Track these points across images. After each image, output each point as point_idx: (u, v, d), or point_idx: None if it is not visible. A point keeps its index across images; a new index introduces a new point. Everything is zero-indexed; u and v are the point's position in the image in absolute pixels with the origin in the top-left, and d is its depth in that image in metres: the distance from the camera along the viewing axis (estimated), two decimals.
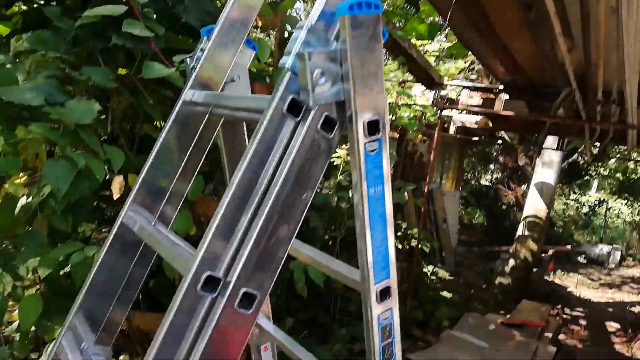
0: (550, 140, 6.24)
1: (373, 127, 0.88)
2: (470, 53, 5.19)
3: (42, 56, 1.86)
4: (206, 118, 1.23)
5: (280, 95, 0.85)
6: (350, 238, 4.83)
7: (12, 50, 1.93)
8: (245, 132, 1.36)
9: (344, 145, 4.56)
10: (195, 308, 0.83)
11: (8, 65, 1.86)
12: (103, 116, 2.29)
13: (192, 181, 1.31)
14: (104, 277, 1.20)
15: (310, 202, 0.89)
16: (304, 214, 0.89)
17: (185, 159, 1.24)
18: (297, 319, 4.18)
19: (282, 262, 0.88)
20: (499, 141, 9.64)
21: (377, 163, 0.91)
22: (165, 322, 0.81)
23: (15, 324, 2.67)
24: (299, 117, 0.87)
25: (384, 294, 0.97)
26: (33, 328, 2.71)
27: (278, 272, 0.88)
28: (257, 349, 1.54)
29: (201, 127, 1.24)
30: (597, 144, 6.48)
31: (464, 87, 5.20)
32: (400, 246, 5.44)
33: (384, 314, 0.99)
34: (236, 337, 0.83)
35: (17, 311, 3.21)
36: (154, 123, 2.57)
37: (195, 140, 1.24)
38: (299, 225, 0.89)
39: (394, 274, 0.99)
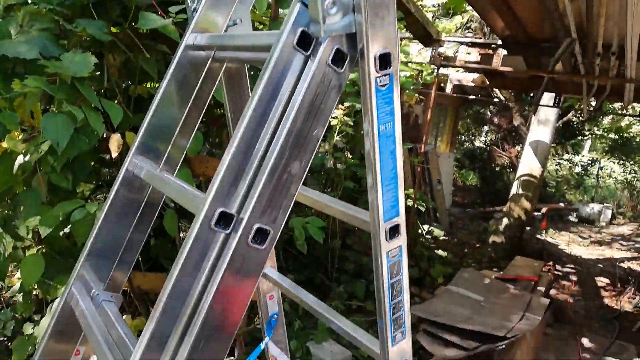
0: (547, 98, 6.22)
1: (384, 61, 0.86)
2: (469, 8, 5.09)
3: (34, 8, 1.80)
4: (208, 64, 1.20)
5: (290, 28, 0.83)
6: (347, 199, 4.85)
7: (3, 3, 1.86)
8: (249, 84, 1.34)
9: (340, 105, 4.52)
10: (209, 244, 0.83)
11: None
12: (98, 72, 2.25)
13: (192, 136, 1.29)
14: (112, 224, 1.20)
15: (321, 138, 0.89)
16: (315, 151, 0.89)
17: (187, 110, 1.22)
18: (296, 279, 4.25)
19: (294, 200, 0.88)
20: (495, 99, 9.58)
21: (387, 99, 0.90)
22: (180, 257, 0.82)
23: (17, 286, 2.69)
24: (309, 52, 0.85)
25: (393, 231, 0.98)
26: (36, 291, 2.74)
27: (290, 209, 0.88)
28: (263, 298, 1.56)
29: (203, 74, 1.21)
30: (593, 103, 6.48)
31: (462, 43, 5.13)
32: None
33: (392, 251, 1.00)
34: (250, 272, 0.84)
35: (17, 275, 3.23)
36: (149, 85, 2.53)
37: (196, 89, 1.22)
38: (310, 162, 0.89)
39: (402, 212, 0.99)
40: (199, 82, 1.21)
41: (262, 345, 1.50)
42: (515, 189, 7.53)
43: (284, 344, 1.58)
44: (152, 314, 0.83)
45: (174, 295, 0.82)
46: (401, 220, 0.99)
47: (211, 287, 0.82)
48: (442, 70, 6.07)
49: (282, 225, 0.88)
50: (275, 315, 1.55)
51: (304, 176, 0.89)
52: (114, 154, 2.09)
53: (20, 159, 1.96)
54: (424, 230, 7.12)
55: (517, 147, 12.00)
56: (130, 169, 1.17)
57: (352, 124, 4.57)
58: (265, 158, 0.85)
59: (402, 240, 1.00)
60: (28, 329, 2.72)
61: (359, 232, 5.29)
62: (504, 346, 2.87)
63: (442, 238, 7.56)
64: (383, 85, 0.89)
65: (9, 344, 3.07)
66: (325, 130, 0.91)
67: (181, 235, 3.38)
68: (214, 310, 0.82)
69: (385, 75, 0.88)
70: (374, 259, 1.01)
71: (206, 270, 0.83)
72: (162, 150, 1.22)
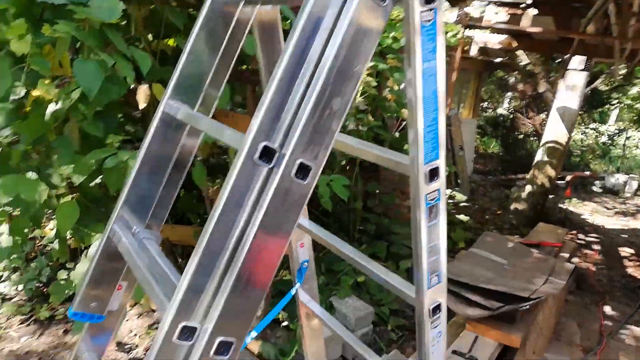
0: (575, 62, 6.01)
1: None
2: None
3: None
4: (240, 8, 1.18)
5: None
6: (369, 162, 4.83)
7: None
8: (282, 35, 1.31)
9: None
10: (252, 178, 0.84)
11: None
12: (124, 22, 2.24)
13: (222, 88, 1.28)
14: (145, 174, 1.21)
15: (362, 76, 0.87)
16: (356, 89, 0.87)
17: (217, 59, 1.20)
18: None
19: (335, 137, 0.88)
20: (522, 63, 9.28)
21: (431, 35, 0.88)
22: (225, 191, 0.82)
23: (51, 234, 2.77)
24: None
25: (433, 174, 0.98)
26: (68, 242, 2.82)
27: (331, 146, 0.88)
28: (295, 245, 1.58)
29: (234, 20, 1.19)
30: (622, 72, 6.24)
31: (490, 1, 4.95)
32: None
33: (431, 194, 1.00)
34: (293, 205, 0.84)
35: (49, 226, 3.33)
36: (172, 42, 2.51)
37: (227, 37, 1.20)
38: (351, 100, 0.88)
39: (443, 155, 0.98)
40: (230, 29, 1.19)
41: (293, 292, 1.53)
42: (539, 155, 7.38)
43: (314, 291, 1.61)
44: (196, 248, 0.85)
45: (219, 228, 0.83)
46: (441, 162, 0.98)
47: (255, 220, 0.83)
48: (467, 32, 5.89)
49: (324, 163, 0.88)
50: (306, 263, 1.57)
51: (345, 113, 0.88)
52: (142, 105, 2.10)
53: (52, 107, 1.98)
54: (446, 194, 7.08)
55: (542, 115, 11.72)
56: (167, 110, 1.17)
57: (375, 84, 4.50)
58: (307, 94, 0.84)
59: (441, 183, 1.00)
60: (62, 275, 2.82)
61: (379, 195, 5.29)
62: (528, 307, 2.88)
63: (462, 204, 7.51)
64: (427, 21, 0.87)
65: (45, 290, 3.20)
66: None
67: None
68: (257, 244, 0.83)
69: (430, 10, 0.86)
70: (412, 202, 1.01)
71: (249, 204, 0.84)
72: (193, 102, 1.21)
